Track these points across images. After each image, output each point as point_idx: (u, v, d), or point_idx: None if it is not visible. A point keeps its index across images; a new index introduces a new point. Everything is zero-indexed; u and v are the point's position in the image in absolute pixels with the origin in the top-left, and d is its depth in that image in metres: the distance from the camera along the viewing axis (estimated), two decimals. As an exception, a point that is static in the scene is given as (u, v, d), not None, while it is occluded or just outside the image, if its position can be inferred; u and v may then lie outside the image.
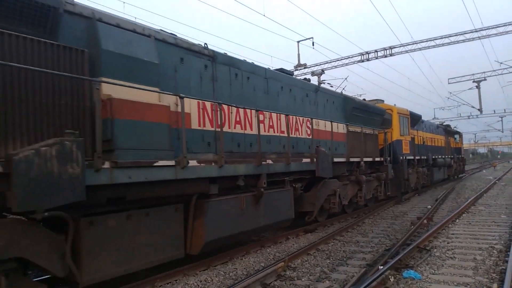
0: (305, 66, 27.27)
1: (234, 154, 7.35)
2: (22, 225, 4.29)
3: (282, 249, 7.97)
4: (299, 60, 27.15)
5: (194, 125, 6.55)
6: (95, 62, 5.06)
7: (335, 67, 26.78)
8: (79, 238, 4.69)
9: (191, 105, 6.44)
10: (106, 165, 4.77)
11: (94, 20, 5.23)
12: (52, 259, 4.44)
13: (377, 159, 13.35)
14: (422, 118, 20.18)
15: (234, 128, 7.45)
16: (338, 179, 10.79)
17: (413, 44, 23.62)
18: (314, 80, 25.42)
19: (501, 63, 27.05)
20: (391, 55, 24.34)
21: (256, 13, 17.91)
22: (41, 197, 3.93)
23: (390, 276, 5.53)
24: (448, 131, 27.22)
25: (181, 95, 5.87)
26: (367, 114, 13.40)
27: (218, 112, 6.69)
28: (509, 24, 21.09)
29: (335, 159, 10.42)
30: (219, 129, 6.69)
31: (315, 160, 9.30)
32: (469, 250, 7.21)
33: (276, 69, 10.13)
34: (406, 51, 23.93)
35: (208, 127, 6.84)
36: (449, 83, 32.75)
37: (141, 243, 5.41)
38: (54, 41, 4.71)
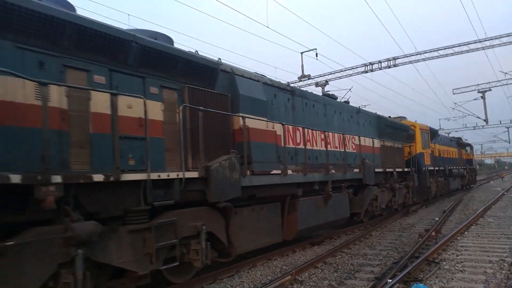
0: (309, 77, 27.37)
1: (307, 165, 9.07)
2: (212, 211, 6.35)
3: (289, 262, 7.89)
4: (303, 71, 27.25)
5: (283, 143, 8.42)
6: (234, 102, 7.30)
7: (339, 78, 26.85)
8: (229, 222, 6.72)
9: (282, 129, 8.33)
10: (248, 173, 7.00)
11: (233, 74, 7.53)
12: (223, 234, 6.59)
13: (405, 169, 15.44)
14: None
15: (306, 145, 9.26)
16: (377, 186, 12.65)
17: (416, 54, 23.64)
18: (318, 91, 25.51)
19: (505, 73, 26.99)
20: (395, 65, 24.36)
21: (260, 24, 18.05)
22: (222, 193, 6.18)
23: (399, 290, 5.44)
24: (460, 144, 28.82)
25: (283, 123, 8.33)
26: (395, 130, 15.50)
27: (301, 133, 9.14)
28: (511, 35, 21.11)
29: (376, 170, 12.37)
30: (298, 146, 9.09)
31: (361, 170, 11.46)
32: (479, 263, 7.10)
33: (325, 95, 12.56)
34: (410, 62, 23.95)
35: (291, 144, 8.90)
36: (454, 94, 32.70)
37: (260, 228, 7.58)
38: (214, 90, 6.89)
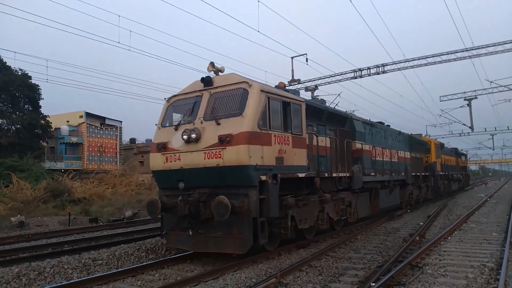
0: (298, 81, 27.51)
1: (379, 170, 14.08)
2: (352, 193, 11.88)
3: (274, 264, 7.89)
4: (293, 76, 27.38)
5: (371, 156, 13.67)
6: (353, 134, 12.45)
7: (328, 83, 27.04)
8: (357, 199, 12.44)
9: (371, 148, 13.66)
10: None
11: (351, 119, 12.77)
12: (354, 206, 12.15)
13: (424, 174, 21.03)
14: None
15: (380, 157, 14.60)
16: (411, 185, 18.22)
17: (405, 62, 23.98)
18: (307, 95, 25.67)
19: (491, 82, 27.54)
20: (383, 72, 24.66)
21: (251, 29, 18.10)
22: (357, 184, 11.62)
23: (382, 294, 5.49)
24: (457, 153, 35.07)
25: (372, 145, 13.87)
26: (418, 145, 21.23)
27: (376, 150, 14.24)
28: (498, 44, 21.55)
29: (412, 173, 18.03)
30: (376, 158, 14.05)
31: (405, 173, 16.95)
32: (461, 268, 7.20)
33: (379, 122, 16.58)
34: (398, 69, 24.28)
35: (373, 157, 13.84)
36: (441, 101, 33.20)
37: (386, 199, 14.43)
38: (345, 129, 12.07)
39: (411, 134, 21.94)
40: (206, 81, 8.64)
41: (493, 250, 8.67)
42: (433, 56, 23.22)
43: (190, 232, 7.96)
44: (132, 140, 51.31)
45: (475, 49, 22.15)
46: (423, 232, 11.16)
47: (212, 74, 8.91)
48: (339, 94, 27.01)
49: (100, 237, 12.50)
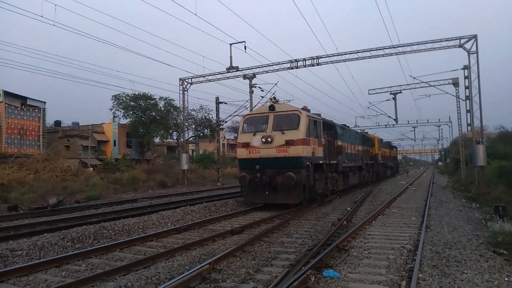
0: (237, 69, 27.46)
1: (349, 159, 20.22)
2: (338, 174, 18.56)
3: (209, 251, 7.88)
4: (231, 63, 27.26)
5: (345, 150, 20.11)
6: (335, 135, 18.21)
7: (266, 72, 27.32)
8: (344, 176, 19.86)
9: (345, 144, 20.01)
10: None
11: (335, 125, 18.83)
12: (342, 181, 19.62)
13: (371, 162, 28.12)
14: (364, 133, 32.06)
15: (349, 151, 20.75)
16: (365, 170, 24.94)
17: (338, 55, 24.91)
18: (245, 83, 25.58)
19: (414, 78, 29.56)
20: (318, 64, 25.43)
21: (188, 11, 17.59)
22: (340, 167, 18.20)
23: (311, 276, 5.72)
24: (390, 146, 44.49)
25: (346, 142, 20.33)
26: (367, 140, 28.09)
27: (347, 145, 20.16)
28: (420, 43, 23.19)
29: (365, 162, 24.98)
30: (347, 151, 20.04)
31: (361, 161, 23.53)
32: (383, 250, 7.74)
33: (343, 125, 21.91)
34: (332, 62, 25.19)
35: (346, 151, 19.95)
36: (369, 94, 34.98)
37: (351, 178, 21.07)
38: (331, 132, 17.89)
39: (362, 132, 30.46)
40: (271, 108, 14.39)
41: (412, 233, 9.44)
42: (363, 51, 24.38)
43: (266, 192, 13.81)
44: (57, 123, 47.88)
45: (401, 46, 23.64)
46: (350, 217, 11.80)
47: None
48: (275, 84, 27.77)
49: (20, 226, 11.58)
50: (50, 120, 45.13)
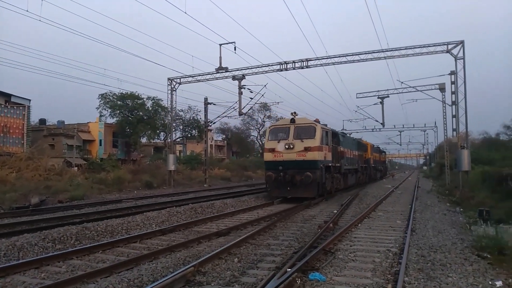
0: (226, 69, 27.35)
1: (348, 162, 23.41)
2: (341, 174, 22.40)
3: (194, 253, 7.76)
4: (220, 63, 27.14)
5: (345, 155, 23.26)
6: (338, 142, 21.64)
7: (256, 73, 27.25)
8: (346, 177, 23.59)
9: (345, 150, 23.21)
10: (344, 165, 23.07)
11: (338, 133, 22.40)
12: (343, 180, 22.89)
13: (364, 165, 31.30)
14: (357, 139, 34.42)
15: (348, 155, 24.09)
16: (360, 172, 28.42)
17: (327, 58, 25.01)
18: (235, 84, 25.55)
19: (402, 82, 29.86)
20: (307, 67, 25.50)
21: (178, 10, 17.45)
22: (343, 169, 22.18)
23: (297, 279, 5.66)
24: (380, 151, 48.29)
25: (346, 148, 23.97)
26: (361, 146, 30.79)
27: (346, 151, 23.34)
28: (409, 48, 23.44)
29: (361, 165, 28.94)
30: (346, 156, 23.01)
31: (358, 164, 27.04)
32: (369, 253, 7.73)
33: (343, 133, 26.72)
34: (321, 65, 25.28)
35: (346, 155, 22.94)
36: (357, 98, 35.14)
37: (350, 179, 24.57)
38: (335, 139, 20.79)
39: (358, 139, 34.31)
40: (292, 121, 17.68)
41: (397, 236, 9.46)
42: (352, 54, 24.53)
43: (288, 188, 17.07)
44: (42, 121, 47.06)
45: (390, 50, 23.85)
46: (336, 220, 11.81)
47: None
48: (265, 85, 27.83)
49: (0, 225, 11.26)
50: (35, 118, 44.42)
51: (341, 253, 7.65)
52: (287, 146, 17.15)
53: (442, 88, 29.44)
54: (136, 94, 44.68)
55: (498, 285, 5.66)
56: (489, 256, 7.23)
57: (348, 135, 27.43)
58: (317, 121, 18.65)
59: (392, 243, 8.71)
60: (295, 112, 18.24)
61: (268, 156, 17.81)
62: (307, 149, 16.80)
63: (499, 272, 6.36)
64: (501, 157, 28.83)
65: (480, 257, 7.25)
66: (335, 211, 13.97)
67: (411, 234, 9.50)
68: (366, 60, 24.42)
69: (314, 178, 16.67)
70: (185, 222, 11.72)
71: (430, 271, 6.32)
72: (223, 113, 32.05)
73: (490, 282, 5.78)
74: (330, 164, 18.55)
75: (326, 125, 19.29)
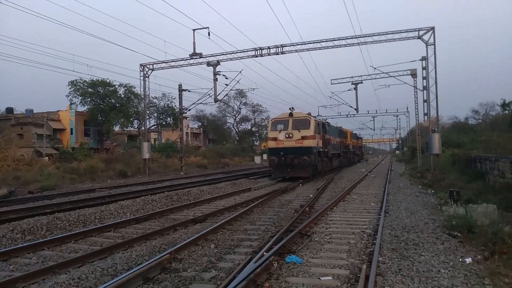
0: (200, 55, 26.91)
1: (333, 148, 27.56)
2: (327, 157, 27.30)
3: (170, 240, 7.67)
4: (194, 49, 26.69)
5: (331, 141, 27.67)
6: (326, 130, 25.48)
7: (231, 59, 26.98)
8: (332, 159, 28.24)
9: (331, 137, 27.59)
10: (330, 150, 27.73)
11: (325, 123, 27.33)
12: (331, 163, 28.31)
13: (345, 150, 35.21)
14: (342, 129, 38.87)
15: (333, 142, 28.37)
16: (342, 156, 33.01)
17: (302, 44, 25.00)
18: (209, 70, 25.26)
19: (375, 68, 30.29)
20: (282, 53, 25.42)
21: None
22: (329, 153, 27.11)
23: (273, 262, 5.67)
24: (357, 137, 51.81)
25: (331, 136, 27.91)
26: (342, 133, 35.04)
27: (331, 138, 27.39)
28: (381, 34, 23.69)
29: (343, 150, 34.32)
30: (331, 142, 27.14)
31: (340, 149, 31.67)
32: (344, 235, 7.84)
33: (327, 122, 28.60)
34: (296, 51, 25.26)
35: (331, 142, 27.21)
36: (331, 84, 35.38)
37: (334, 162, 28.98)
38: (325, 128, 26.39)
39: (339, 127, 36.96)
40: (290, 114, 21.26)
41: (371, 218, 9.65)
42: (326, 40, 24.60)
43: (288, 169, 20.58)
44: (9, 110, 45.29)
45: (363, 36, 24.04)
46: (312, 204, 11.92)
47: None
48: (240, 72, 27.71)
49: (-36, 218, 10.77)
50: (1, 107, 42.60)
51: (317, 235, 7.73)
52: (287, 135, 20.82)
53: (413, 74, 30.01)
54: (108, 81, 43.53)
55: (467, 262, 5.84)
56: (459, 234, 7.45)
57: (326, 122, 29.65)
58: (309, 114, 22.47)
59: (366, 224, 8.87)
60: (292, 108, 21.80)
61: (271, 144, 21.61)
62: (303, 137, 20.52)
63: (469, 250, 6.58)
64: (469, 140, 29.81)
65: (451, 236, 7.47)
66: (311, 195, 14.10)
67: (384, 216, 9.70)
68: (340, 46, 24.57)
69: (310, 161, 20.30)
70: (160, 210, 11.56)
71: (404, 251, 6.47)
72: (198, 100, 31.71)
73: (460, 259, 5.96)
74: (321, 150, 22.50)
75: (315, 117, 23.32)
